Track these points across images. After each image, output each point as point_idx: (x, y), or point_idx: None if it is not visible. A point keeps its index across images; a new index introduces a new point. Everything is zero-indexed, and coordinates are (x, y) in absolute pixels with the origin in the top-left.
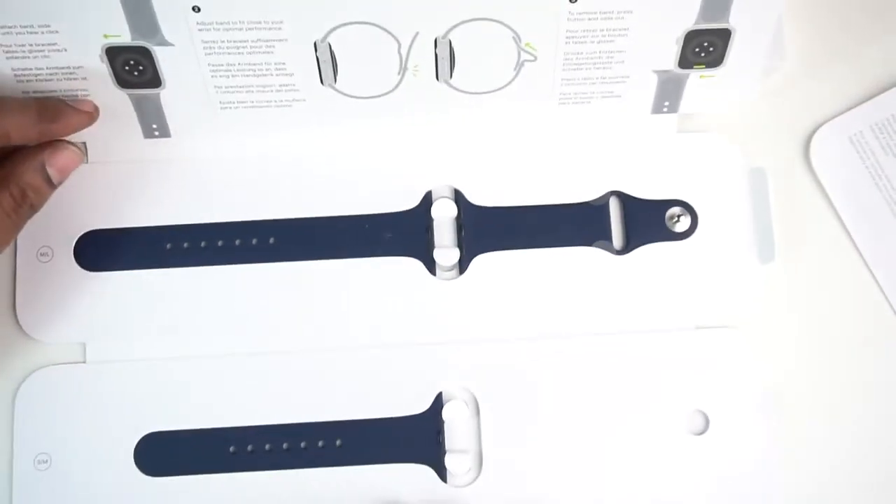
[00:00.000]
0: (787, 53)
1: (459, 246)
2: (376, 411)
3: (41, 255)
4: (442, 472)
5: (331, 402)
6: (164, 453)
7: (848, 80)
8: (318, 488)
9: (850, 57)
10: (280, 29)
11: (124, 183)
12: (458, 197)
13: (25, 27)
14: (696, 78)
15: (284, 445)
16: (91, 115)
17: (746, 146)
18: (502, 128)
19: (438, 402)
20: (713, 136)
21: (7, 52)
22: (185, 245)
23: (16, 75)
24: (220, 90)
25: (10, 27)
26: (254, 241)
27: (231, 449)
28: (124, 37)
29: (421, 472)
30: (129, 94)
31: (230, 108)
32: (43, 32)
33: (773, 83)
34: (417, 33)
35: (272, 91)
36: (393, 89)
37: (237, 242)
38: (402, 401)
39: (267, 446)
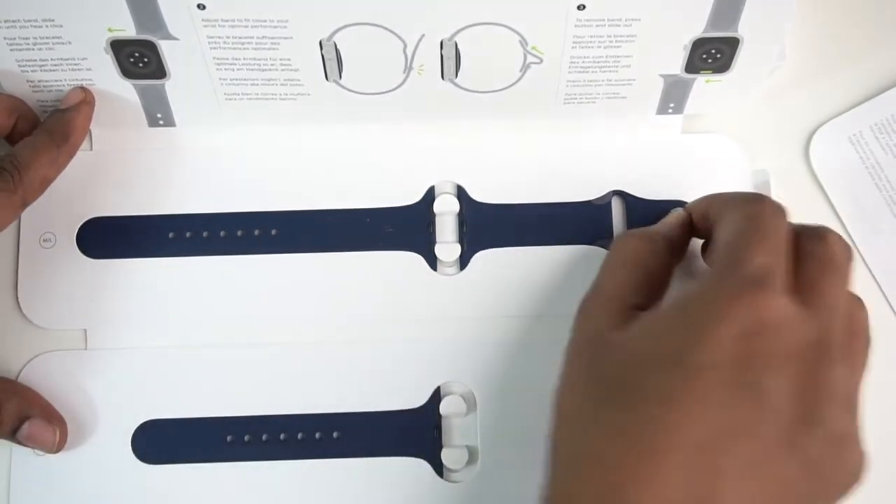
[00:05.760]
0: (787, 53)
1: (461, 242)
2: (374, 404)
3: (44, 241)
4: (438, 467)
5: (329, 393)
6: (161, 441)
7: (848, 80)
8: (314, 480)
9: (850, 57)
10: (285, 27)
11: (128, 171)
12: (461, 193)
13: (29, 21)
14: (702, 81)
15: (282, 436)
16: (88, 102)
17: (746, 146)
18: (506, 125)
19: (436, 397)
20: (718, 138)
21: (11, 44)
22: (188, 234)
23: (20, 66)
24: (225, 82)
25: (14, 21)
26: (256, 232)
27: (228, 438)
28: (129, 31)
29: (417, 466)
30: (134, 85)
31: (235, 99)
32: (47, 26)
33: (773, 83)
34: (423, 35)
35: (277, 85)
36: (398, 87)
37: (239, 233)
38: (400, 394)
39: (264, 436)
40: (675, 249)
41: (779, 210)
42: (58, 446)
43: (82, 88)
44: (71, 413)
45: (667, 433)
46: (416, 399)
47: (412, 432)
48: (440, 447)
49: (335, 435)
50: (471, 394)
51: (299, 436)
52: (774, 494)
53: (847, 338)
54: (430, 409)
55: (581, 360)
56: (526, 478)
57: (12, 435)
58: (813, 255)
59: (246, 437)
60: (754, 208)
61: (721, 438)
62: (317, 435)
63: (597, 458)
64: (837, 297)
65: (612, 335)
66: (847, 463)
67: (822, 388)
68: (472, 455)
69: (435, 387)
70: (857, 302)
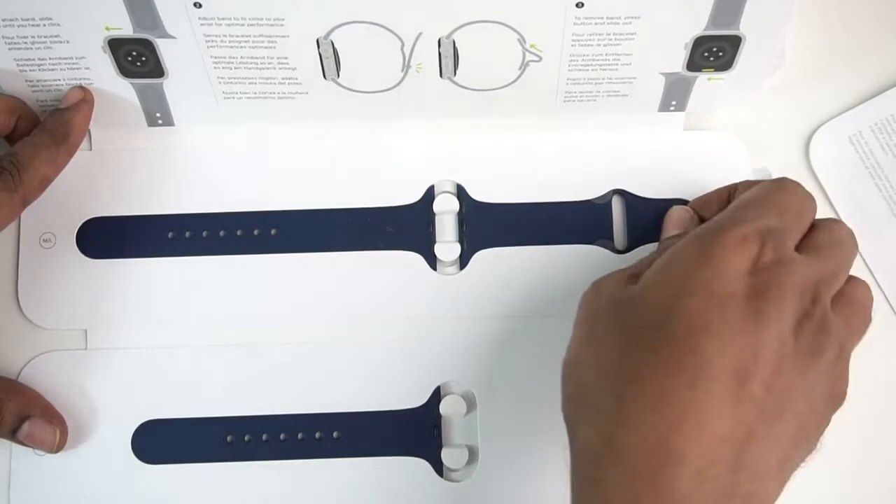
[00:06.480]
0: (787, 53)
1: (461, 241)
2: (374, 404)
3: (44, 241)
4: (438, 466)
5: (329, 393)
6: (161, 441)
7: (848, 80)
8: (314, 479)
9: (850, 57)
10: (282, 25)
11: (127, 171)
12: (461, 192)
13: (27, 20)
14: (704, 80)
15: (282, 436)
16: (87, 102)
17: (746, 145)
18: (506, 124)
19: (436, 397)
20: (720, 135)
21: (9, 43)
22: (187, 234)
23: (18, 65)
24: (223, 81)
25: (12, 20)
26: (255, 232)
27: (228, 438)
28: (126, 29)
29: (417, 466)
30: (132, 84)
31: (233, 98)
32: (45, 25)
33: (773, 83)
34: (421, 33)
35: (275, 83)
36: (396, 85)
37: (239, 233)
38: (400, 394)
39: (264, 436)
40: None
41: (804, 195)
42: (58, 446)
43: (81, 88)
44: (71, 413)
45: (708, 359)
46: (416, 399)
47: (412, 432)
48: (440, 447)
49: (335, 435)
50: (471, 393)
51: (299, 436)
52: (790, 422)
53: (845, 302)
54: (430, 408)
55: (602, 322)
56: (526, 477)
57: (12, 435)
58: (824, 228)
59: (246, 437)
60: (781, 183)
61: (748, 364)
62: (317, 435)
63: (642, 401)
64: (839, 262)
65: (628, 290)
66: (834, 395)
67: (814, 324)
68: (472, 454)
69: (435, 386)
70: (858, 280)
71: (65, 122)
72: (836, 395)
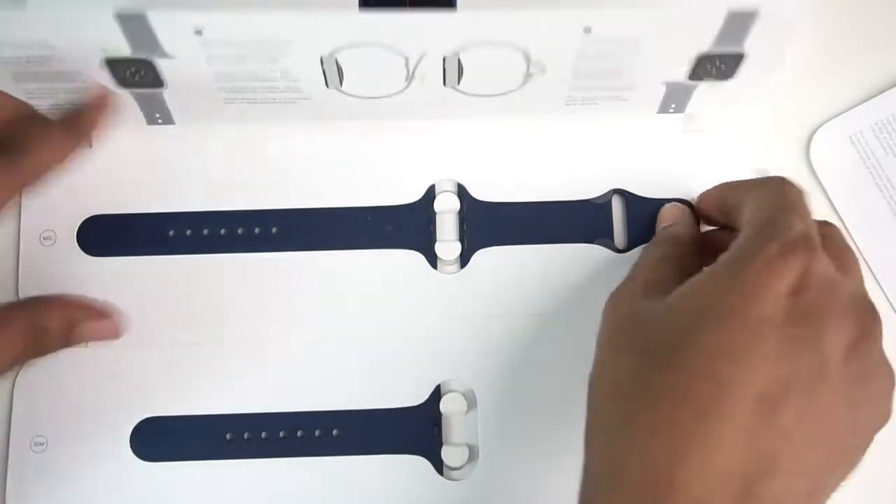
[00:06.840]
0: (786, 52)
1: (461, 240)
2: (374, 402)
3: (44, 239)
4: (438, 465)
5: (329, 391)
6: (160, 439)
7: (848, 80)
8: (314, 477)
9: (850, 57)
10: (285, 47)
11: (128, 168)
12: (462, 191)
13: (22, 43)
14: (705, 86)
15: (281, 434)
16: (110, 106)
17: (746, 145)
18: (507, 123)
19: (437, 395)
20: (718, 137)
21: (3, 61)
22: (188, 232)
23: (14, 76)
24: (224, 90)
25: (6, 42)
26: (256, 230)
27: (227, 436)
28: (124, 51)
29: (417, 464)
30: (131, 92)
31: (235, 102)
32: (40, 48)
33: (773, 83)
34: (425, 53)
35: (277, 91)
36: (399, 92)
37: (239, 231)
38: (400, 392)
39: (263, 434)
40: (697, 245)
41: (801, 190)
42: (120, 332)
43: (105, 91)
44: (70, 410)
45: (728, 387)
46: (416, 397)
47: (412, 430)
48: (440, 445)
49: (335, 432)
50: (471, 392)
51: (299, 433)
52: (827, 451)
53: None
54: (431, 406)
55: (620, 339)
56: (526, 475)
57: (68, 343)
58: (832, 237)
59: (245, 435)
60: (782, 186)
61: (778, 394)
62: (317, 432)
63: (650, 427)
64: (858, 274)
65: (650, 305)
66: (881, 416)
67: (870, 345)
68: (472, 453)
69: (435, 384)
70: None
71: (83, 117)
72: (883, 414)
